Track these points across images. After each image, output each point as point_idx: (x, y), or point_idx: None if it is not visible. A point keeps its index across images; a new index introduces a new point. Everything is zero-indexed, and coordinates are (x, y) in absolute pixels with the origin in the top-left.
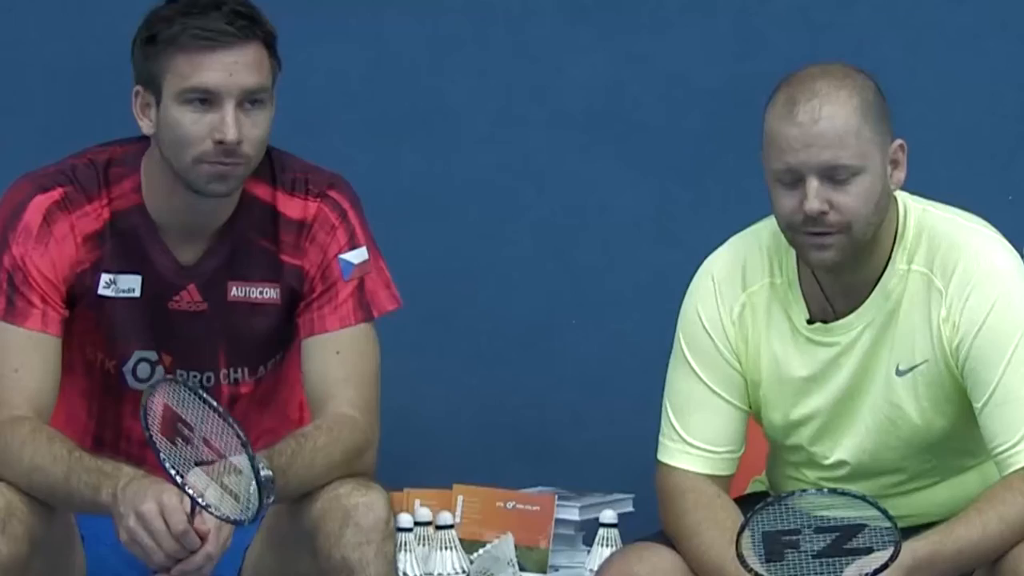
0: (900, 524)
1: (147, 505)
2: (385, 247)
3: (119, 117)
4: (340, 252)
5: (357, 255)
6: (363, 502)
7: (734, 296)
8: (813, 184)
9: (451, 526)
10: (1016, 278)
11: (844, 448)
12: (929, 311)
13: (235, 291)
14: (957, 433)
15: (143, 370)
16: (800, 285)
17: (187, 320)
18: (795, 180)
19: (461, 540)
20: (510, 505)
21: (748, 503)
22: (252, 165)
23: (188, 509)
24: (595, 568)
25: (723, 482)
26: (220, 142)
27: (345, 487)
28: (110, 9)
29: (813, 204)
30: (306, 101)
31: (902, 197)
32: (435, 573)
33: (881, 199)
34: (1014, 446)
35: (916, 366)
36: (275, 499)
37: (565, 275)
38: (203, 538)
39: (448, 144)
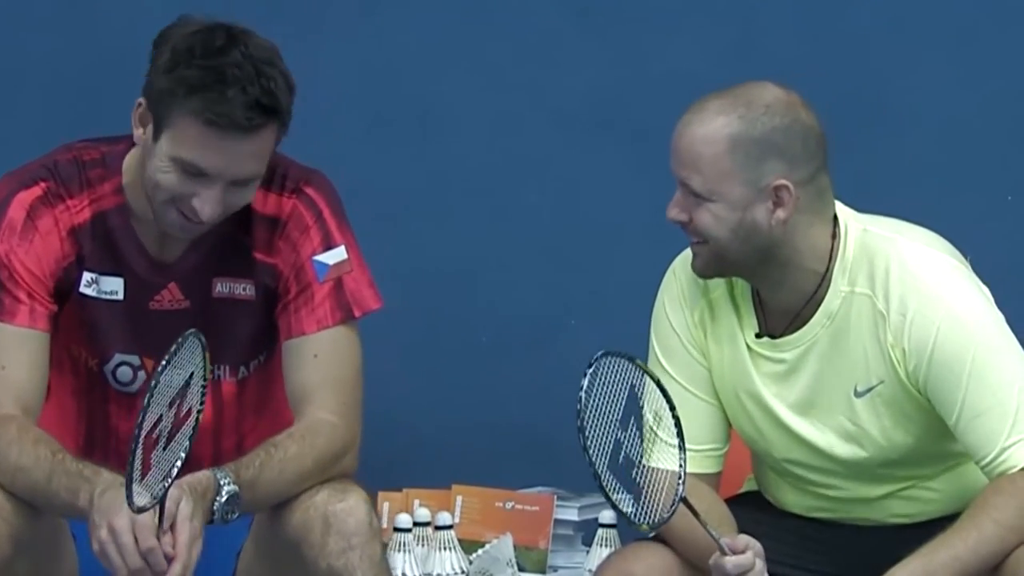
0: (884, 523)
1: (120, 520)
2: (384, 247)
3: (118, 117)
4: (314, 253)
5: (332, 256)
6: (342, 508)
7: (695, 299)
8: (677, 193)
9: (450, 526)
10: (958, 293)
11: (813, 462)
12: (877, 334)
13: (220, 287)
14: (922, 448)
15: (124, 373)
16: (751, 299)
17: (169, 319)
18: None
19: (460, 540)
20: (509, 505)
21: (744, 502)
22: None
23: (161, 526)
24: (594, 568)
25: (709, 479)
26: (192, 213)
27: (322, 494)
28: (110, 9)
29: (670, 211)
30: (304, 100)
31: (843, 215)
32: (434, 573)
33: (743, 231)
34: (997, 456)
35: (873, 387)
36: (243, 512)
37: (565, 275)
38: (169, 559)
39: (447, 144)
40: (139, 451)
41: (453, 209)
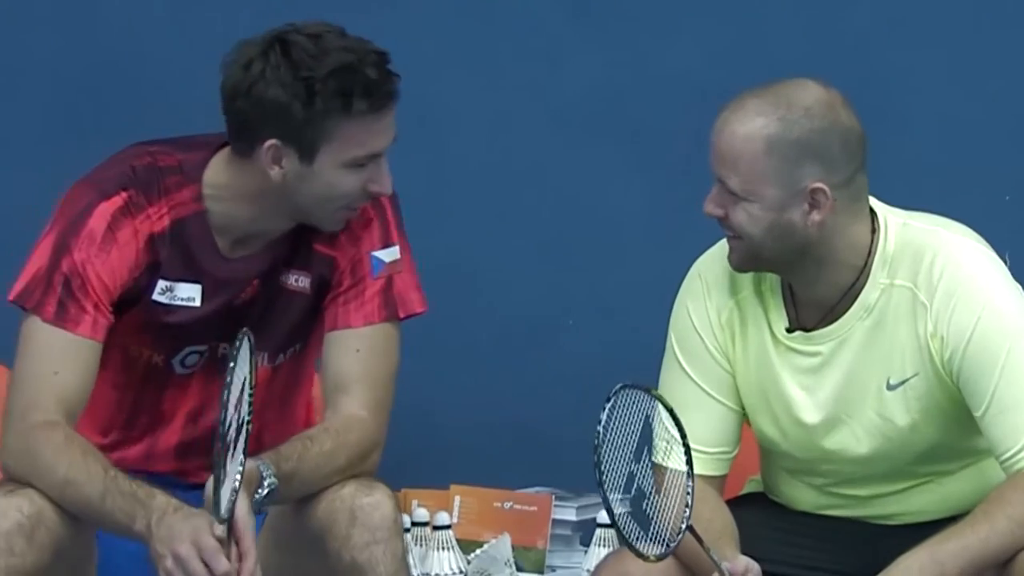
0: (896, 521)
1: (184, 548)
2: None
3: (118, 117)
4: (372, 248)
5: (389, 253)
6: (368, 502)
7: (722, 300)
8: (714, 188)
9: (448, 526)
10: (1000, 286)
11: (835, 459)
12: (915, 325)
13: (281, 276)
14: (948, 442)
15: (191, 359)
16: (782, 293)
17: (247, 309)
18: None
19: (458, 540)
20: (507, 505)
21: (746, 504)
22: None
23: (231, 537)
24: (592, 568)
25: (716, 482)
26: (378, 194)
27: (349, 488)
28: (110, 9)
29: (707, 206)
30: None
31: (881, 211)
32: (432, 573)
33: (778, 230)
34: (1017, 453)
35: (907, 380)
36: (275, 504)
37: (564, 275)
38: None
39: (448, 144)
40: (225, 455)
41: (453, 209)
